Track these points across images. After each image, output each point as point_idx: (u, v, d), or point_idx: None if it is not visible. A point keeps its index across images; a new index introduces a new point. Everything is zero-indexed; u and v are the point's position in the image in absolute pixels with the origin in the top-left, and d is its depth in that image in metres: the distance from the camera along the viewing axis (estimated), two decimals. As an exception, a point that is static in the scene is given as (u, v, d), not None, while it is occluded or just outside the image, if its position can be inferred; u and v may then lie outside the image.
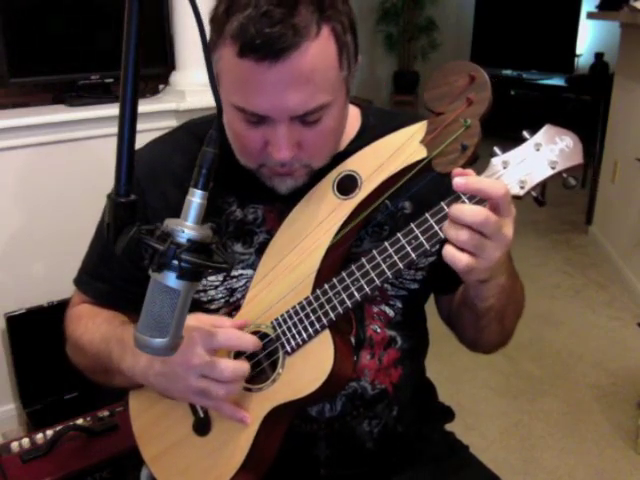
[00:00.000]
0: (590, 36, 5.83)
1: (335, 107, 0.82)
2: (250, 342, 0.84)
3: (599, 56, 5.29)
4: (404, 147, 0.83)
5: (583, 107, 4.61)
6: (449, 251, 0.73)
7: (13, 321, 2.02)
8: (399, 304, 0.96)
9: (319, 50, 0.76)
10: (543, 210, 4.19)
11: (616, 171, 3.52)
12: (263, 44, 0.72)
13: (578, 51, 5.86)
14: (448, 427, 1.12)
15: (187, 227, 0.66)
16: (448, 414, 1.13)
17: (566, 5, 5.84)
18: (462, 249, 0.72)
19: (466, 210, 0.71)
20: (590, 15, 3.91)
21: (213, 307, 0.94)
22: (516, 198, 0.76)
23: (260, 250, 0.92)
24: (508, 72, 6.24)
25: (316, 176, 0.88)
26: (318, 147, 0.85)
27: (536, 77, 6.02)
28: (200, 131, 0.98)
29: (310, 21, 0.74)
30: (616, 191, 3.55)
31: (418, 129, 0.83)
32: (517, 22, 6.13)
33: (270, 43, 0.72)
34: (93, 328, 0.97)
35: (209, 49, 0.80)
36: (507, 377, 2.54)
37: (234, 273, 0.93)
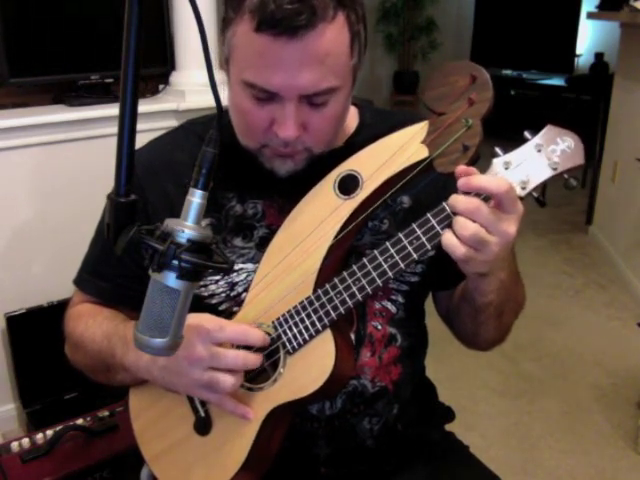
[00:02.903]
0: (590, 36, 5.83)
1: (342, 94, 0.84)
2: (258, 337, 0.84)
3: (599, 56, 5.29)
4: (405, 147, 0.83)
5: (583, 107, 4.61)
6: (449, 240, 0.74)
7: (13, 321, 2.02)
8: (401, 299, 0.96)
9: (334, 34, 0.78)
10: (543, 210, 4.17)
11: (616, 171, 3.52)
12: (282, 19, 0.74)
13: (578, 51, 5.86)
14: (448, 427, 1.13)
15: (187, 227, 0.66)
16: (448, 414, 1.13)
17: (566, 5, 5.85)
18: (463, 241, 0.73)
19: (460, 199, 0.73)
20: (590, 15, 3.91)
21: (214, 302, 0.94)
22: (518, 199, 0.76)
23: (260, 244, 0.93)
24: (508, 72, 6.24)
25: (316, 171, 0.89)
26: (321, 131, 0.86)
27: (536, 77, 6.02)
28: (199, 129, 0.98)
29: (328, 4, 0.76)
30: (616, 191, 3.55)
31: (419, 129, 0.83)
32: (517, 22, 6.13)
33: (288, 19, 0.74)
34: (94, 326, 0.97)
35: (223, 25, 0.82)
36: (507, 377, 2.54)
37: (234, 267, 0.93)
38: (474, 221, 0.73)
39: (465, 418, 2.24)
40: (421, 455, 1.03)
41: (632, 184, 3.28)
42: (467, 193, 0.75)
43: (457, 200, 0.74)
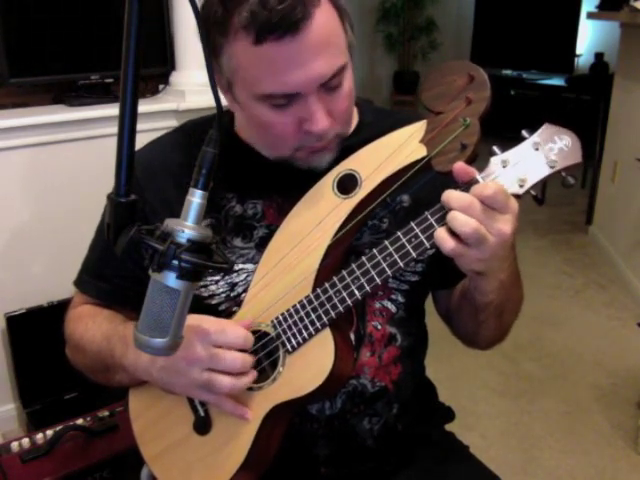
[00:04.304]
0: (590, 36, 5.83)
1: (349, 69, 0.86)
2: (252, 342, 0.84)
3: (599, 56, 5.29)
4: (404, 146, 0.83)
5: (583, 107, 4.61)
6: (439, 233, 0.74)
7: (13, 321, 2.02)
8: (401, 298, 0.96)
9: (326, 16, 0.79)
10: (543, 210, 4.19)
11: (616, 171, 3.52)
12: (280, 21, 0.74)
13: (578, 51, 5.86)
14: (448, 427, 1.13)
15: (187, 227, 0.66)
16: (448, 414, 1.13)
17: (566, 5, 5.85)
18: (457, 236, 0.73)
19: (453, 194, 0.74)
20: (590, 15, 3.91)
21: (214, 302, 0.94)
22: (515, 197, 0.76)
23: (260, 244, 0.93)
24: (508, 72, 6.24)
25: (315, 170, 0.89)
26: (345, 111, 0.88)
27: (536, 77, 6.02)
28: (198, 130, 0.98)
29: None
30: (616, 191, 3.55)
31: (418, 128, 0.83)
32: (517, 22, 6.13)
33: (286, 18, 0.74)
34: (94, 327, 0.97)
35: (211, 54, 0.82)
36: (507, 377, 2.55)
37: (234, 267, 0.93)
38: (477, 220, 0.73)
39: (465, 418, 2.24)
40: (421, 455, 1.03)
41: (632, 184, 3.28)
42: (467, 189, 0.75)
43: (451, 196, 0.74)
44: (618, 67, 3.72)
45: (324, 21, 0.78)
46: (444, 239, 0.74)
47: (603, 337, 2.84)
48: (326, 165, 0.89)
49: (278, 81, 0.79)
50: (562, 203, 4.33)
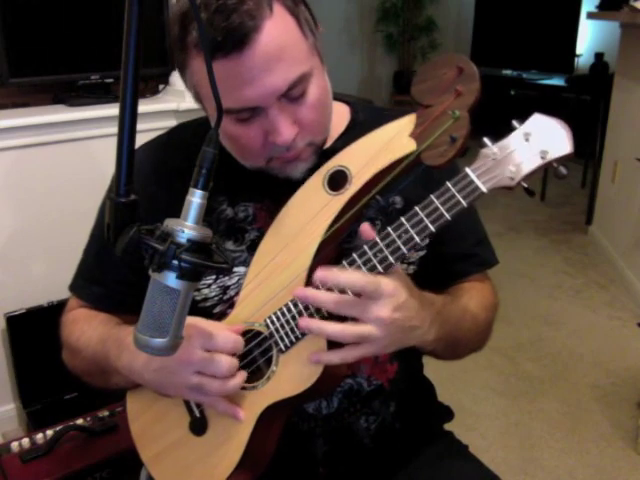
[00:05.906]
0: (590, 36, 5.83)
1: (315, 76, 0.84)
2: (242, 346, 0.84)
3: (599, 56, 5.29)
4: (393, 141, 0.82)
5: (583, 107, 4.61)
6: (341, 354, 0.78)
7: (13, 321, 2.02)
8: None
9: (278, 26, 0.78)
10: (543, 210, 4.19)
11: (616, 171, 3.52)
12: (225, 38, 0.74)
13: (578, 51, 5.85)
14: (447, 427, 1.13)
15: (187, 227, 0.66)
16: (447, 414, 1.13)
17: (566, 5, 5.84)
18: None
19: (319, 295, 0.77)
20: (590, 15, 3.91)
21: (208, 305, 0.94)
22: (507, 189, 0.75)
23: (251, 247, 0.93)
24: (508, 72, 6.23)
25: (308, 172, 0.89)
26: (314, 120, 0.86)
27: (536, 77, 6.01)
28: (189, 133, 0.98)
29: (260, 3, 0.76)
30: (616, 191, 3.55)
31: (407, 122, 0.82)
32: (517, 22, 6.13)
33: (231, 35, 0.74)
34: (89, 330, 0.97)
35: (179, 70, 0.84)
36: (507, 377, 2.54)
37: None
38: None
39: (465, 418, 2.24)
40: (420, 455, 1.03)
41: (632, 184, 3.28)
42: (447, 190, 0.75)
43: (317, 296, 0.76)
44: (618, 67, 3.72)
45: (276, 32, 0.77)
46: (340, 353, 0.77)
47: (603, 337, 2.83)
48: (301, 175, 0.89)
49: (233, 97, 0.79)
50: (562, 203, 4.33)
